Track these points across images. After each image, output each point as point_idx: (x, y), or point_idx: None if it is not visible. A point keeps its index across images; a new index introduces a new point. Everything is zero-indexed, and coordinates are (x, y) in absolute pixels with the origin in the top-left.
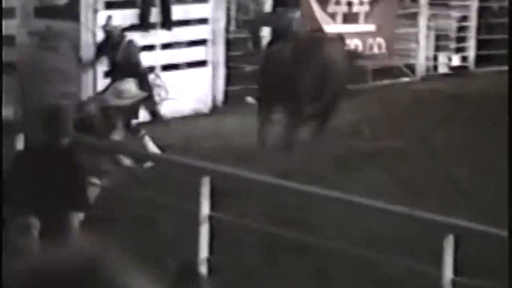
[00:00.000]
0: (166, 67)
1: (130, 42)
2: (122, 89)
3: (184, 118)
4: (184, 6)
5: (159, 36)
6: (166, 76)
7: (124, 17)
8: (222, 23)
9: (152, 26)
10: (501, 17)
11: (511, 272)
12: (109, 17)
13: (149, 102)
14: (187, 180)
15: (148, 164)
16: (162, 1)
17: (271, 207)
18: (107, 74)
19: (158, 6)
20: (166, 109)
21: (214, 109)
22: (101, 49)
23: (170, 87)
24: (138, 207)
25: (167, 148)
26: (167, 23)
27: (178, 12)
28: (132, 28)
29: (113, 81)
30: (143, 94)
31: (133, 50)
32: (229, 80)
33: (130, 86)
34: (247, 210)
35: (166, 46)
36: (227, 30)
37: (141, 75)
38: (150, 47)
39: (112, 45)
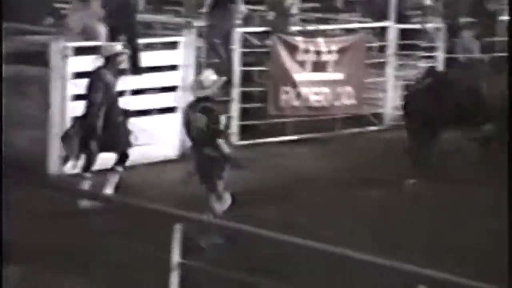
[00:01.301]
0: (136, 113)
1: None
2: (202, 79)
3: (153, 164)
4: (155, 53)
5: (129, 81)
6: (136, 121)
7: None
8: (192, 70)
9: (122, 72)
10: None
11: (511, 272)
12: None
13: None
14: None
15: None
16: (131, 48)
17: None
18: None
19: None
20: (135, 155)
21: (184, 155)
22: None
23: (140, 132)
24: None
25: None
26: (136, 69)
27: (149, 58)
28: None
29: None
30: (222, 78)
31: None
32: None
33: (207, 74)
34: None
35: (136, 92)
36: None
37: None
38: (120, 93)
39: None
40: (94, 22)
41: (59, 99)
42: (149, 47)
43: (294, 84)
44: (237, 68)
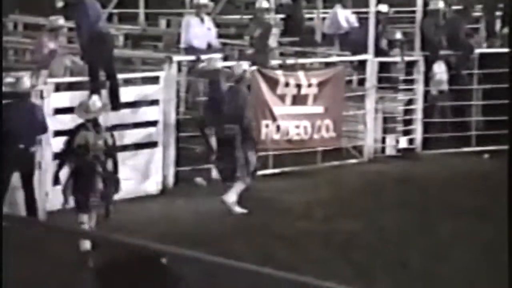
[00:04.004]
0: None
1: None
2: (89, 104)
3: (133, 200)
4: (135, 88)
5: (110, 117)
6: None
7: (72, 99)
8: (172, 104)
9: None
10: (442, 101)
11: (511, 272)
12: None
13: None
14: None
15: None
16: (110, 83)
17: None
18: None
19: (107, 88)
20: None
21: (165, 190)
22: None
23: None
24: None
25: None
26: (115, 104)
27: (129, 93)
28: None
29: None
30: (108, 106)
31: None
32: (179, 161)
33: (94, 99)
34: None
35: (116, 127)
36: (177, 112)
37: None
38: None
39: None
40: (75, 61)
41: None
42: (129, 82)
43: (274, 118)
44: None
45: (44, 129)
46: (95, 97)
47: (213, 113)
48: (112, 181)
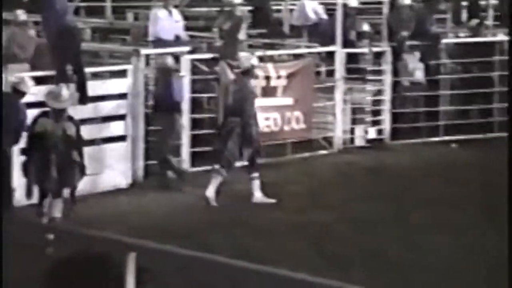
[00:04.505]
0: (86, 142)
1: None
2: (59, 92)
3: (103, 194)
4: (103, 81)
5: (77, 110)
6: (85, 151)
7: (39, 92)
8: (141, 98)
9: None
10: (412, 91)
11: (511, 272)
12: None
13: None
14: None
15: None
16: (77, 77)
17: (198, 284)
18: None
19: (74, 82)
20: (86, 185)
21: (134, 184)
22: None
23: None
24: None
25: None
26: (83, 98)
27: (97, 87)
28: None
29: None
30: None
31: None
32: (148, 155)
33: (63, 89)
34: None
35: (84, 121)
36: (145, 105)
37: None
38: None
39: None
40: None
41: None
42: (97, 76)
43: None
44: (187, 95)
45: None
46: (64, 87)
47: (161, 109)
48: (73, 169)
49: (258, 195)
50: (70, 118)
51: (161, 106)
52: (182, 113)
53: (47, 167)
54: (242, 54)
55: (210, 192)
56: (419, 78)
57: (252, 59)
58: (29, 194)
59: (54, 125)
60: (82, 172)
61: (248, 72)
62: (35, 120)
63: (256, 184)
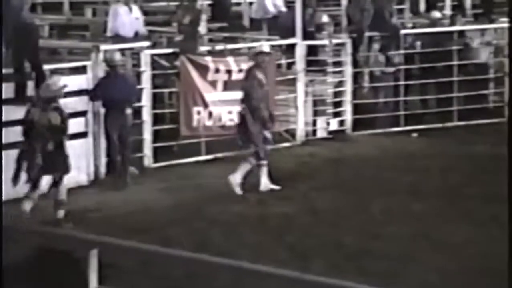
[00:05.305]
0: None
1: None
2: (49, 83)
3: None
4: (63, 78)
5: None
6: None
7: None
8: None
9: (28, 99)
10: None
11: (511, 273)
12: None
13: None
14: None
15: None
16: (36, 74)
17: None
18: None
19: (33, 79)
20: (47, 183)
21: (96, 180)
22: None
23: None
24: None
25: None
26: None
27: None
28: (8, 101)
29: None
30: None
31: None
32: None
33: (55, 79)
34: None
35: None
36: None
37: None
38: None
39: None
40: None
41: None
42: (56, 72)
43: (205, 104)
44: (148, 90)
45: None
46: (56, 77)
47: (110, 106)
48: (59, 157)
49: (265, 182)
50: (57, 108)
51: (109, 102)
52: (132, 110)
53: (33, 155)
54: (257, 44)
55: (236, 178)
56: (385, 69)
57: (263, 46)
58: (15, 180)
59: (41, 114)
60: (65, 163)
61: (258, 59)
62: (28, 110)
63: (264, 171)
